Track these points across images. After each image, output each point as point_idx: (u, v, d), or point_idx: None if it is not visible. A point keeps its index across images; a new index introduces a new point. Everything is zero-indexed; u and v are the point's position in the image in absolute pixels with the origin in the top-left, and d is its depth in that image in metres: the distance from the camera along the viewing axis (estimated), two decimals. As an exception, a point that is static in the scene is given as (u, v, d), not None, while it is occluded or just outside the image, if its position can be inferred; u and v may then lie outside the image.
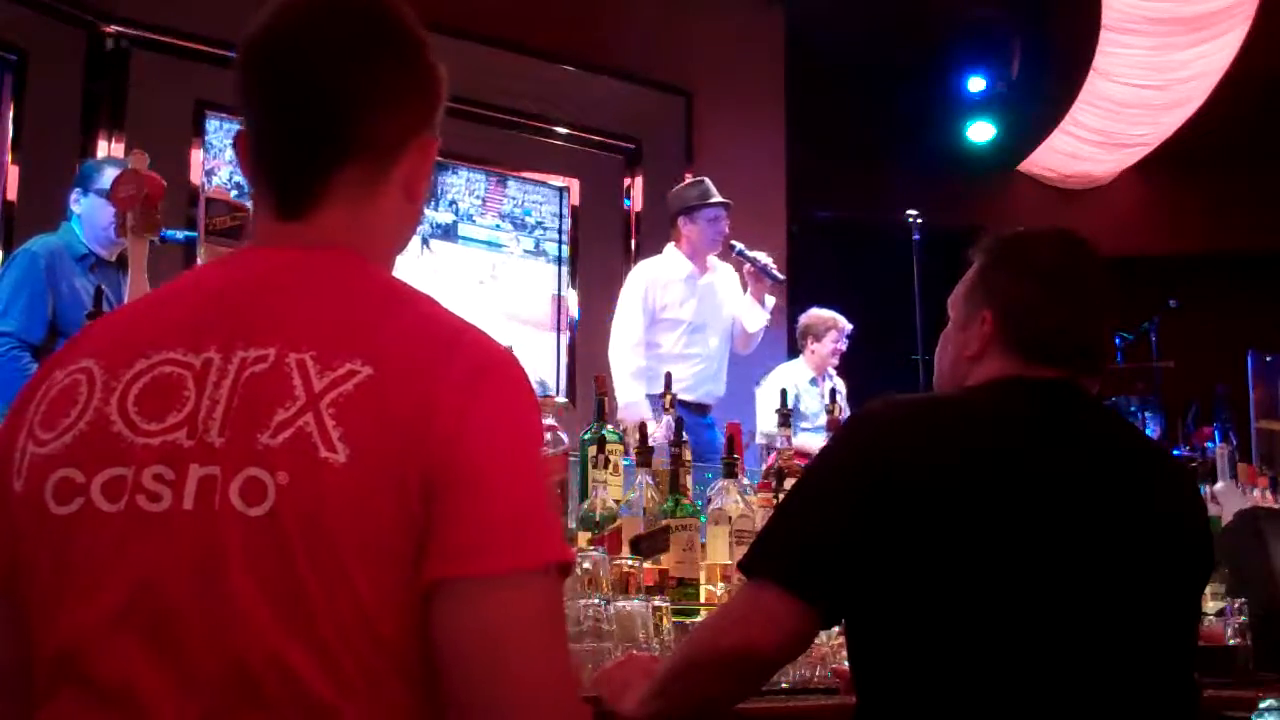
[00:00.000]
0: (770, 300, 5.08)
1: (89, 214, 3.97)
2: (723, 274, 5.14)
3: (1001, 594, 1.51)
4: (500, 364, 1.11)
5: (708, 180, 5.12)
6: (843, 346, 5.85)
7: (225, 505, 1.03)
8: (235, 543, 1.02)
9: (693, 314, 5.00)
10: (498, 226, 6.62)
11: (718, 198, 5.03)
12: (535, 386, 1.19)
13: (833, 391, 5.30)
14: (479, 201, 6.57)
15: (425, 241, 6.32)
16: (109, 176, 3.87)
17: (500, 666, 1.01)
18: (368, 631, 1.02)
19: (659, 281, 5.00)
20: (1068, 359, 1.71)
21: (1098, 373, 1.75)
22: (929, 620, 1.51)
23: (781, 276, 5.09)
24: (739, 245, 5.01)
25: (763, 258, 4.98)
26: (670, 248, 5.11)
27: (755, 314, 5.04)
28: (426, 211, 6.30)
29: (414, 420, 1.04)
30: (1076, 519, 1.56)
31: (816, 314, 5.99)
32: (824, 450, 1.69)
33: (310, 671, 1.00)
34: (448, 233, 6.44)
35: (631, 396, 4.65)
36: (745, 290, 5.08)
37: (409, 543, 1.02)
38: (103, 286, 3.84)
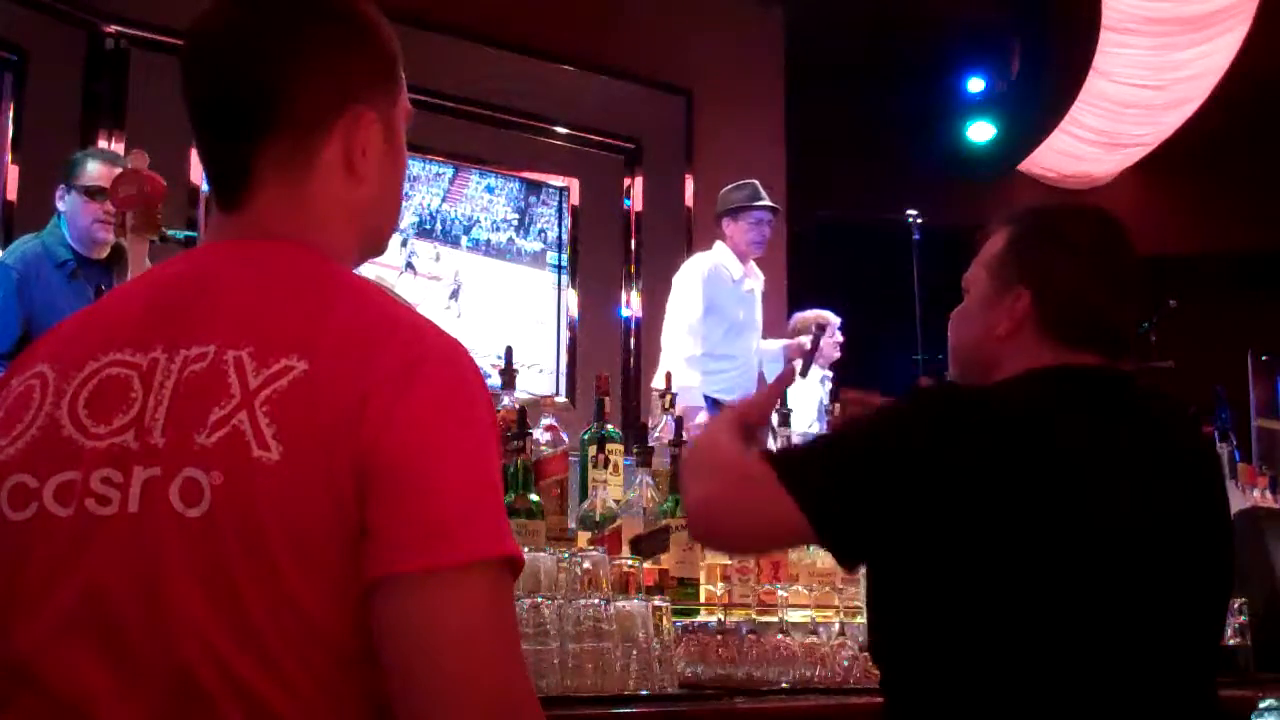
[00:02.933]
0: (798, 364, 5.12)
1: (71, 213, 3.89)
2: (760, 282, 5.23)
3: (1086, 594, 1.46)
4: (438, 354, 1.08)
5: (757, 183, 5.16)
6: (839, 339, 5.85)
7: (166, 507, 1.02)
8: (176, 545, 1.01)
9: (738, 315, 5.01)
10: (497, 227, 6.62)
11: (766, 201, 5.07)
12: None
13: (832, 392, 5.28)
14: (479, 201, 6.57)
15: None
16: (91, 172, 3.83)
17: (438, 663, 0.99)
18: (308, 632, 1.00)
19: (717, 275, 5.04)
20: (1107, 343, 1.65)
21: (1127, 356, 1.68)
22: (1000, 615, 1.46)
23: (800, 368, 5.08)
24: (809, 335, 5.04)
25: (809, 342, 5.00)
26: (719, 245, 5.15)
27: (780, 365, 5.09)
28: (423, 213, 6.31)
29: (346, 415, 1.02)
30: (1149, 523, 1.52)
31: (801, 317, 5.99)
32: (889, 408, 1.61)
33: (254, 674, 0.99)
34: (449, 233, 6.44)
35: (686, 382, 4.63)
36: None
37: (345, 541, 1.01)
38: (102, 287, 3.82)
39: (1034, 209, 1.75)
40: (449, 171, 6.40)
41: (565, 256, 6.77)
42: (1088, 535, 1.47)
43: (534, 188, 6.75)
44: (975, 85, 8.73)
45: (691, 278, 5.05)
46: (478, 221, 6.54)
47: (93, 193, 3.81)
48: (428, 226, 6.33)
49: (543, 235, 6.74)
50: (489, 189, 6.60)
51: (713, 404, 4.84)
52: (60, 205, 3.93)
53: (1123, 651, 1.48)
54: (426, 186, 6.31)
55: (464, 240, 6.47)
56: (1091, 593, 1.47)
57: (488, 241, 6.56)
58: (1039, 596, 1.46)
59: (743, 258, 5.10)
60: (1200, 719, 1.56)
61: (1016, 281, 1.67)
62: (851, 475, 1.51)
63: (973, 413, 1.53)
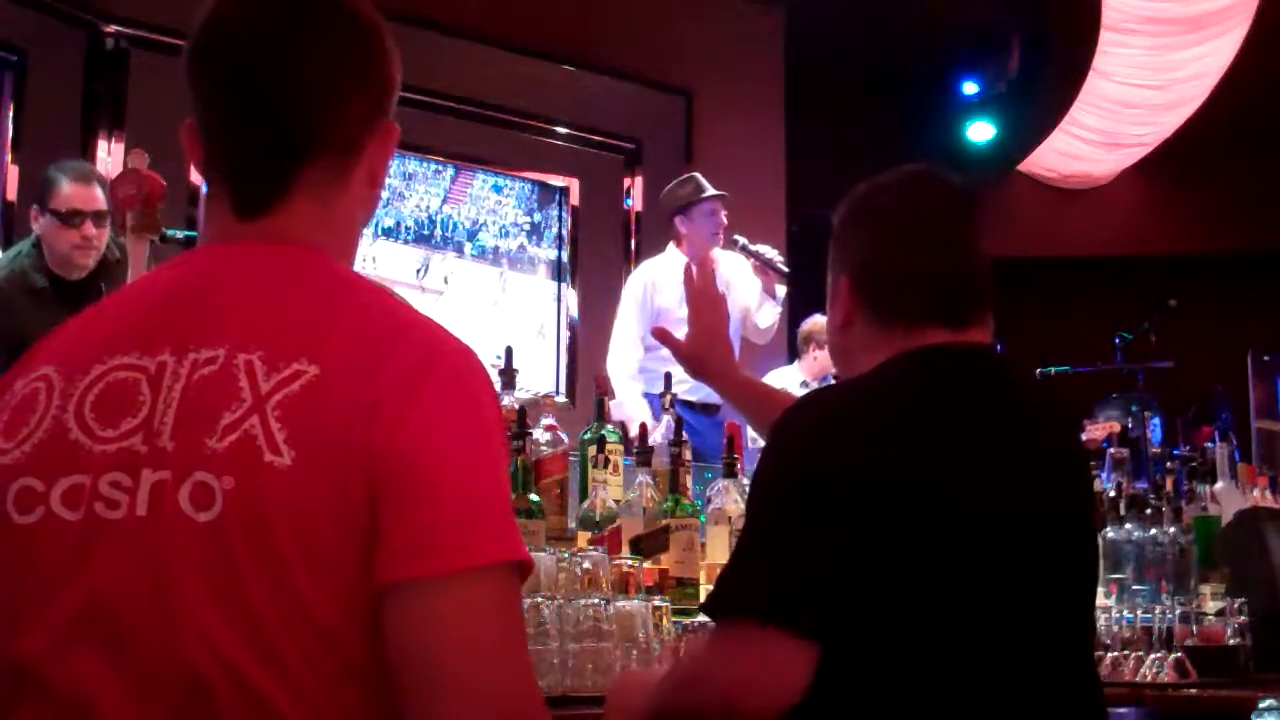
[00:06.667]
0: (781, 290, 4.99)
1: (47, 237, 3.59)
2: (726, 266, 4.97)
3: (980, 599, 1.38)
4: (448, 358, 1.08)
5: (698, 175, 5.06)
6: None
7: (175, 511, 1.02)
8: (185, 549, 1.01)
9: None
10: (501, 230, 6.62)
11: (711, 190, 4.95)
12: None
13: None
14: (481, 201, 6.57)
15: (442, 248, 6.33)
16: (65, 193, 3.52)
17: (447, 668, 0.99)
18: (317, 637, 1.00)
19: (657, 282, 4.95)
20: (940, 311, 1.50)
21: (975, 320, 1.53)
22: (911, 639, 1.37)
23: (785, 269, 4.96)
24: (741, 240, 4.91)
25: (767, 251, 4.89)
26: (671, 248, 5.07)
27: (767, 310, 4.97)
28: (418, 211, 6.31)
29: (357, 420, 1.02)
30: (1031, 510, 1.44)
31: (819, 321, 5.96)
32: (769, 466, 1.45)
33: (262, 678, 0.99)
34: (450, 233, 6.44)
35: (624, 396, 4.61)
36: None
37: (356, 546, 1.01)
38: (100, 292, 3.80)
39: (855, 188, 1.61)
40: (449, 171, 6.41)
41: (565, 256, 6.78)
42: (954, 535, 1.37)
43: (546, 193, 6.73)
44: (970, 89, 8.74)
45: (631, 294, 4.99)
46: (484, 225, 6.54)
47: (68, 217, 3.51)
48: (426, 231, 6.33)
49: (558, 240, 6.72)
50: (495, 188, 6.60)
51: (684, 406, 4.62)
52: (35, 228, 3.61)
53: (1004, 634, 1.39)
54: (426, 186, 6.32)
55: (468, 247, 6.47)
56: (975, 590, 1.38)
57: (495, 248, 6.55)
58: (932, 606, 1.36)
59: (699, 253, 4.88)
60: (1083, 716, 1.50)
61: (840, 270, 1.58)
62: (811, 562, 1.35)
63: (846, 420, 1.41)
